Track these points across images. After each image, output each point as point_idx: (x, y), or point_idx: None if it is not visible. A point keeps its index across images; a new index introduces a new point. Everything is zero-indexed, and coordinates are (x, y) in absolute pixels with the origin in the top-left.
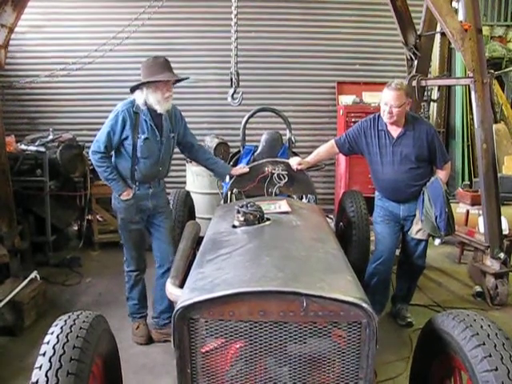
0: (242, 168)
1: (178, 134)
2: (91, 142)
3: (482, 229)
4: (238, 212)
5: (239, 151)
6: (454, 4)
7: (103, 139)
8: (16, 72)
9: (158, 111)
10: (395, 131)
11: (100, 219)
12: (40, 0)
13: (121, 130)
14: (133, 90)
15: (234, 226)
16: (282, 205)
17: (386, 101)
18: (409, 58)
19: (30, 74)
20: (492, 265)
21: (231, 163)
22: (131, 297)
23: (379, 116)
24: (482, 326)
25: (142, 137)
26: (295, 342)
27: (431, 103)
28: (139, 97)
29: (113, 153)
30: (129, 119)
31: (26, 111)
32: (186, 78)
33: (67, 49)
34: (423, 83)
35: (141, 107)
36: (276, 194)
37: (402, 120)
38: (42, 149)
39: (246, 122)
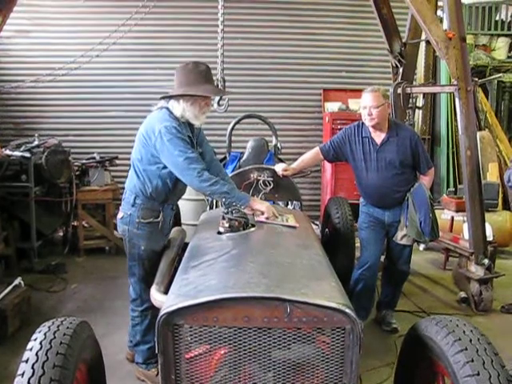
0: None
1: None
2: (77, 147)
3: (466, 235)
4: (223, 218)
5: (225, 158)
6: (439, 13)
7: (193, 154)
8: (1, 77)
9: (195, 126)
10: (379, 137)
11: (86, 225)
12: (26, 5)
13: None
14: (164, 97)
15: (219, 233)
16: (290, 218)
17: (364, 104)
18: (394, 65)
19: (15, 79)
20: (476, 271)
21: None
22: (146, 341)
23: (363, 123)
24: (464, 332)
25: None
26: (279, 348)
27: (416, 110)
28: (176, 108)
29: (143, 175)
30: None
31: (12, 116)
32: (228, 94)
33: (53, 54)
34: (408, 90)
35: (180, 120)
36: None
37: (384, 124)
38: (28, 154)
39: (232, 128)
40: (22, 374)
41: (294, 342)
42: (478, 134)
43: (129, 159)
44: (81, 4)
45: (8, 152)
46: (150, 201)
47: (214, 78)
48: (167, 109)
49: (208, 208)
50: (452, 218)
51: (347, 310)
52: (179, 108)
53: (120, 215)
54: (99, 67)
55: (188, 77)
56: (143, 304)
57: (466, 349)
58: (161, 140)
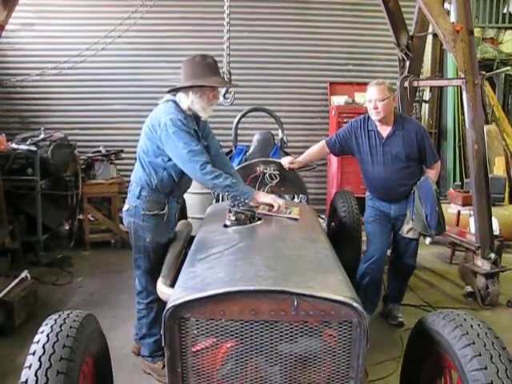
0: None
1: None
2: (82, 141)
3: (472, 229)
4: (230, 211)
5: (231, 151)
6: (446, 5)
7: (198, 147)
8: (7, 70)
9: (202, 118)
10: (385, 131)
11: (91, 219)
12: None
13: None
14: (172, 90)
15: (226, 226)
16: (294, 211)
17: (369, 98)
18: (401, 58)
19: (21, 72)
20: (483, 265)
21: None
22: (152, 333)
23: (369, 116)
24: (471, 326)
25: None
26: (286, 342)
27: (423, 104)
28: (184, 101)
29: (149, 167)
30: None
31: (17, 110)
32: (236, 86)
33: (59, 47)
34: (415, 84)
35: (187, 113)
36: None
37: (390, 118)
38: (33, 148)
39: (238, 121)
40: (29, 367)
41: (300, 336)
42: (485, 127)
43: (134, 152)
44: None
45: (14, 145)
46: (155, 193)
47: (220, 71)
48: (174, 101)
49: (214, 201)
50: (458, 211)
51: (354, 304)
52: (187, 100)
53: (126, 207)
54: (104, 60)
55: (195, 69)
56: (149, 296)
57: (474, 343)
58: (166, 132)
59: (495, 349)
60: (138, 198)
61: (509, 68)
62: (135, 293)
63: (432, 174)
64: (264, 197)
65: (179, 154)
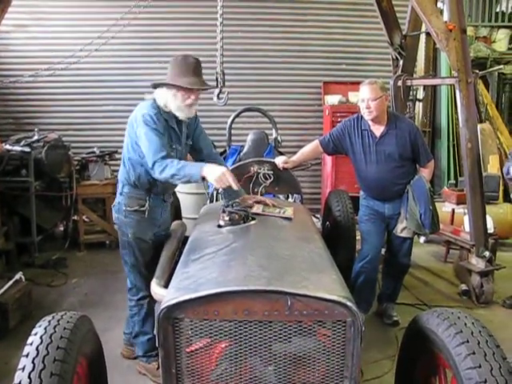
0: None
1: (193, 138)
2: (76, 142)
3: (467, 228)
4: (224, 211)
5: (225, 151)
6: (439, 4)
7: (157, 144)
8: (0, 72)
9: (180, 118)
10: (378, 130)
11: (86, 219)
12: None
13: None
14: (155, 86)
15: (220, 226)
16: (288, 210)
17: (362, 97)
18: (394, 57)
19: (14, 73)
20: (477, 263)
21: None
22: (144, 331)
23: (362, 116)
24: (465, 324)
25: (174, 146)
26: (280, 341)
27: (417, 103)
28: (159, 98)
29: (128, 163)
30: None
31: (11, 111)
32: (212, 87)
33: (52, 48)
34: (409, 83)
35: (164, 110)
36: (262, 194)
37: (383, 117)
38: (27, 149)
39: (232, 121)
40: (23, 369)
41: (294, 335)
42: (479, 126)
43: None
44: None
45: (8, 147)
46: (134, 189)
47: (214, 71)
48: (154, 98)
49: (208, 201)
50: (453, 210)
51: (348, 303)
52: (163, 98)
53: (113, 204)
54: (98, 61)
55: (175, 69)
56: (139, 293)
57: (468, 341)
58: (138, 128)
59: (489, 347)
60: (121, 194)
61: (502, 66)
62: (127, 290)
63: (426, 173)
64: (211, 169)
65: (145, 151)
